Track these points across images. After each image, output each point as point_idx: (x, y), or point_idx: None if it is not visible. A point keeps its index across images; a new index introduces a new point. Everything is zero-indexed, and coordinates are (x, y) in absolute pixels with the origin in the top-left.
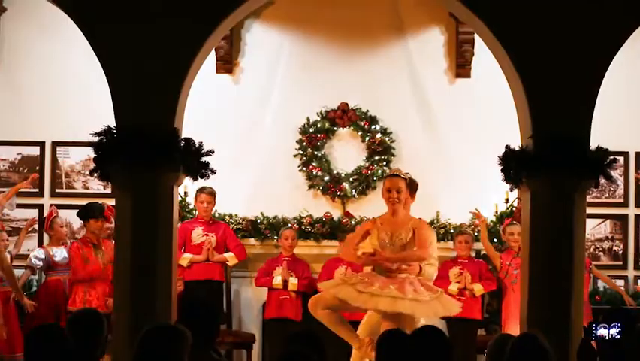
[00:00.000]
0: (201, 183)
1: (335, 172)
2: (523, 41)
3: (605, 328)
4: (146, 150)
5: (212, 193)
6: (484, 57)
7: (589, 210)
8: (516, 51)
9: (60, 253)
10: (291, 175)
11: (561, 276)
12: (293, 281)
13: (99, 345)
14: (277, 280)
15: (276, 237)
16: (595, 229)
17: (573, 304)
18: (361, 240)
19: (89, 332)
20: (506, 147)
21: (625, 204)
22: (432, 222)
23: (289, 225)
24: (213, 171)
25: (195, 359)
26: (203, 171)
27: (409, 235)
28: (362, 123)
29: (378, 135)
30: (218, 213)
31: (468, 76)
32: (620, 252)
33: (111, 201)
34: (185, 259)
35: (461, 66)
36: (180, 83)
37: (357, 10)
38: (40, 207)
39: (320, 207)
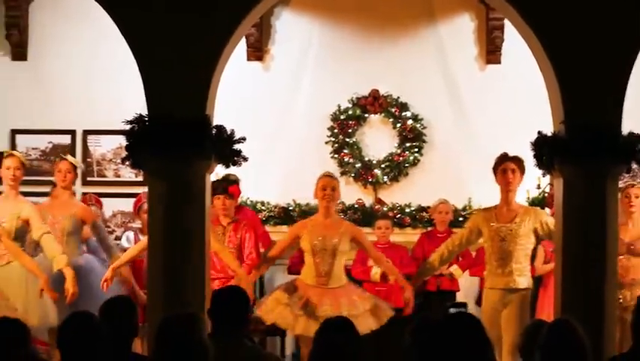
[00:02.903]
0: (233, 170)
1: (367, 159)
2: (555, 27)
3: None
4: (178, 137)
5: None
6: (515, 43)
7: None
8: (548, 37)
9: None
10: (322, 162)
11: (594, 261)
12: None
13: (132, 331)
14: None
15: None
16: None
17: (606, 289)
18: (289, 245)
19: (122, 318)
20: (539, 132)
21: None
22: (464, 209)
23: None
24: (245, 159)
25: (227, 346)
26: (236, 158)
27: (341, 240)
28: (393, 110)
29: (410, 122)
30: (250, 201)
31: (498, 62)
32: None
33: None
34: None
35: (491, 52)
36: (211, 71)
37: None
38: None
39: (352, 194)
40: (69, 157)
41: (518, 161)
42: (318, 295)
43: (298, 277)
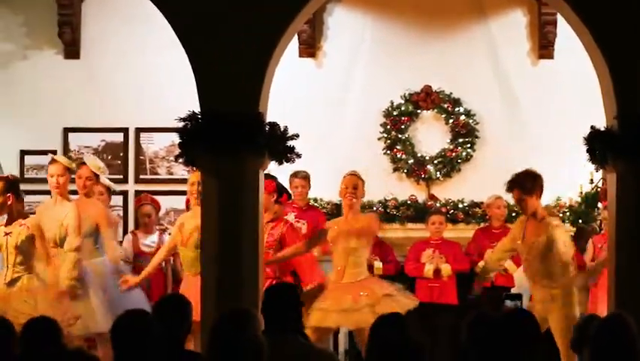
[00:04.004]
0: (287, 166)
1: (419, 155)
2: (607, 21)
3: None
4: (231, 134)
5: (306, 177)
6: (568, 38)
7: None
8: (600, 31)
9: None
10: (375, 158)
11: None
12: (377, 265)
13: (185, 329)
14: None
15: None
16: None
17: None
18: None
19: (175, 317)
20: (591, 127)
21: None
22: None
23: (374, 208)
24: (299, 155)
25: (280, 343)
26: (289, 155)
27: (348, 237)
28: (446, 106)
29: (462, 117)
30: None
31: (551, 57)
32: None
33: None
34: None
35: (544, 47)
36: (264, 67)
37: None
38: (125, 193)
39: (405, 190)
40: (89, 162)
41: (515, 188)
42: (329, 291)
43: None
